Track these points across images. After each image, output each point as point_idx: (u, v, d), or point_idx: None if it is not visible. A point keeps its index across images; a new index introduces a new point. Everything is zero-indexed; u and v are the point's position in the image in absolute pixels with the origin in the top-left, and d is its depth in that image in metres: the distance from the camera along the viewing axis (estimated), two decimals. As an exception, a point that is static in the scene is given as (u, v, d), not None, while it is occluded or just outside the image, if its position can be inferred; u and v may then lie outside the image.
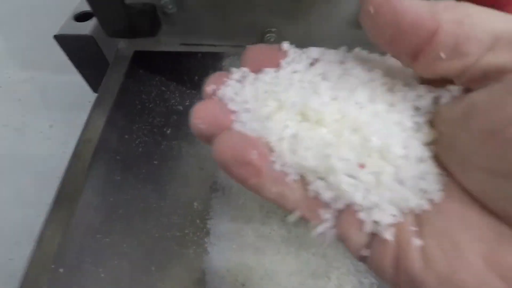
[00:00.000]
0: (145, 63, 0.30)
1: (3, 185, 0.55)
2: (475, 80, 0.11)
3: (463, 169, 0.12)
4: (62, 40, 0.38)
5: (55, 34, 0.39)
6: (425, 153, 0.13)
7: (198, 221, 0.35)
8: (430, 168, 0.13)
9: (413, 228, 0.12)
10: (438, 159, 0.13)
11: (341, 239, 0.13)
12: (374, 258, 0.13)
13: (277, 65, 0.16)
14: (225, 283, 0.36)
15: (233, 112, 0.15)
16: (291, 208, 0.14)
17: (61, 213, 0.22)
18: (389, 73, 0.15)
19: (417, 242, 0.12)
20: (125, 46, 0.29)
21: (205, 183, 0.38)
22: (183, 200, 0.34)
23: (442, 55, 0.11)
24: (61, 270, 0.21)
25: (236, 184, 0.44)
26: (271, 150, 0.14)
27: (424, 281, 0.11)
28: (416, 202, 0.12)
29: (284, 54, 0.16)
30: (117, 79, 0.27)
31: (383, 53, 0.15)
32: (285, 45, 0.16)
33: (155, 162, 0.31)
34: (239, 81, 0.16)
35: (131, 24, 0.21)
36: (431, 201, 0.12)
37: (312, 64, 0.16)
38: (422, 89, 0.14)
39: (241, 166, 0.13)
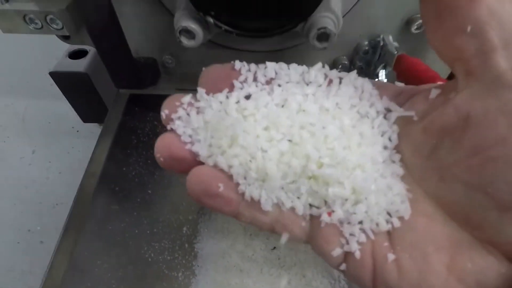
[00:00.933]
0: (140, 102, 0.34)
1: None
2: (472, 71, 0.12)
3: (440, 178, 0.13)
4: (57, 76, 0.41)
5: (50, 71, 0.41)
6: (395, 181, 0.14)
7: (186, 245, 0.38)
8: (399, 191, 0.14)
9: (387, 244, 0.14)
10: (405, 164, 0.15)
11: (320, 254, 0.15)
12: (352, 272, 0.14)
13: (231, 86, 0.16)
14: (211, 304, 0.38)
15: (188, 143, 0.15)
16: (267, 228, 0.15)
17: (67, 242, 0.24)
18: (354, 92, 0.16)
19: (391, 256, 0.13)
20: (124, 90, 0.32)
21: (193, 208, 0.41)
22: (174, 225, 0.37)
23: (468, 28, 0.12)
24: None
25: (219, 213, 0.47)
26: (237, 183, 0.15)
27: None
28: (386, 226, 0.14)
29: (238, 73, 0.16)
30: (116, 118, 0.31)
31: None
32: (237, 64, 0.16)
33: (149, 191, 0.34)
34: (191, 104, 0.16)
35: (137, 76, 0.24)
36: (401, 219, 0.14)
37: (268, 82, 0.16)
38: (390, 112, 0.15)
39: (212, 199, 0.15)
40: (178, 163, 0.15)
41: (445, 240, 0.13)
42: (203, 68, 0.16)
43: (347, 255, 0.14)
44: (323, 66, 0.16)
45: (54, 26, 0.22)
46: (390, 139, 0.15)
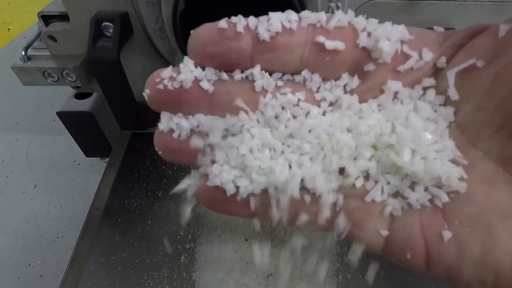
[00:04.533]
0: (141, 140, 0.37)
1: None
2: None
3: (510, 135, 0.11)
4: (64, 116, 0.44)
5: (57, 111, 0.44)
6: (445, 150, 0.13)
7: (184, 274, 0.39)
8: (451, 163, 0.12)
9: (439, 221, 0.12)
10: (460, 123, 0.13)
11: (355, 239, 0.14)
12: (398, 255, 0.13)
13: (244, 62, 0.13)
14: (209, 332, 0.39)
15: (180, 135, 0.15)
16: (286, 223, 0.14)
17: (74, 273, 0.26)
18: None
19: (447, 234, 0.12)
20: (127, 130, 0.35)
21: (191, 237, 0.43)
22: (172, 255, 0.39)
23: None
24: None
25: (217, 237, 0.49)
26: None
27: (461, 267, 0.12)
28: (438, 202, 0.13)
29: (233, 31, 0.13)
30: (119, 155, 0.34)
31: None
32: (233, 19, 0.13)
33: (149, 222, 0.36)
34: (173, 78, 0.13)
35: (139, 119, 0.27)
36: (455, 193, 0.12)
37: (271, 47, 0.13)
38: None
39: (223, 205, 0.14)
40: (177, 155, 0.15)
41: (511, 208, 0.12)
42: (191, 31, 0.13)
43: (390, 238, 0.13)
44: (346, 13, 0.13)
45: (69, 79, 0.26)
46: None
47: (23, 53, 0.25)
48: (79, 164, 0.68)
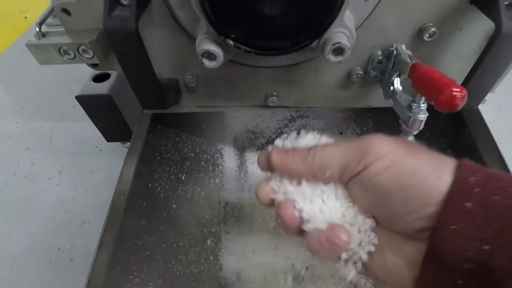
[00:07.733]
0: (162, 120, 0.35)
1: (15, 231, 0.56)
2: None
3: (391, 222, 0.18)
4: (83, 99, 0.43)
5: (76, 95, 0.44)
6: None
7: (211, 257, 0.38)
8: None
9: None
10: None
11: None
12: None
13: None
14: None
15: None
16: None
17: (103, 257, 0.25)
18: None
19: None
20: (148, 110, 0.34)
21: (215, 221, 0.42)
22: (198, 238, 0.38)
23: None
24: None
25: (241, 224, 0.47)
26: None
27: None
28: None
29: None
30: (141, 137, 0.32)
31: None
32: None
33: (174, 205, 0.35)
34: None
35: (161, 97, 0.26)
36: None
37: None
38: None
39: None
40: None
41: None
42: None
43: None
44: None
45: (86, 56, 0.24)
46: None
47: (37, 29, 0.24)
48: (100, 150, 0.69)
